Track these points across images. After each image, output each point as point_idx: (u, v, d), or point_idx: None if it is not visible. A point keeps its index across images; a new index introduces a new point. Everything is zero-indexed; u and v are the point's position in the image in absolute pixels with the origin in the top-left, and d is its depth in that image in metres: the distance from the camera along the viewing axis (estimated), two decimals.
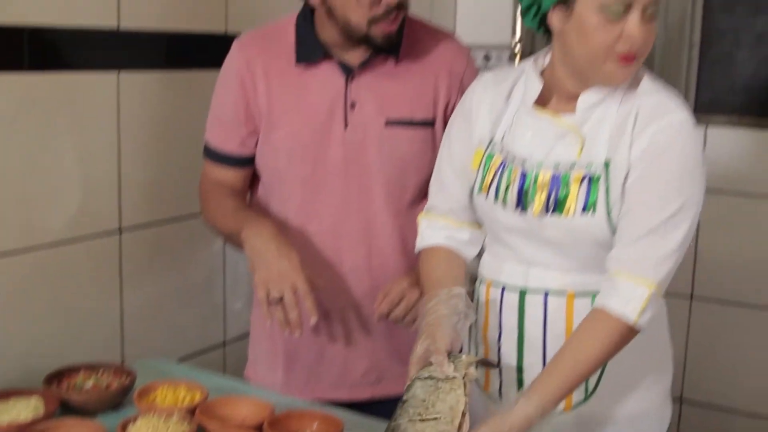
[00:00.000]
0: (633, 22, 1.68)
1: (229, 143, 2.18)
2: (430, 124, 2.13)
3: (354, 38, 2.00)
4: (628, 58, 1.71)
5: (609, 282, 1.74)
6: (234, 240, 2.10)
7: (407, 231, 2.14)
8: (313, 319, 1.91)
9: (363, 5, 1.92)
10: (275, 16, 2.25)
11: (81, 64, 2.31)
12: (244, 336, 2.54)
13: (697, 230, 3.48)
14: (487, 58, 3.98)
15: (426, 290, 1.93)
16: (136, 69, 2.46)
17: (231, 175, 2.21)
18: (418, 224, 2.04)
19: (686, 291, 3.66)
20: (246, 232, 1.99)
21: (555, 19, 1.77)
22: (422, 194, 2.13)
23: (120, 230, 2.48)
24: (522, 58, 3.87)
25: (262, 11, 2.77)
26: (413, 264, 2.12)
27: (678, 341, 3.54)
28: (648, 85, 1.81)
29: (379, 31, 1.97)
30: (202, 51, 2.65)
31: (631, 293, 1.70)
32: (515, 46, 3.88)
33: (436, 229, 2.00)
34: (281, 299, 1.91)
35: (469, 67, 2.18)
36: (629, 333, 1.72)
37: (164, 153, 2.60)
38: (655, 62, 3.62)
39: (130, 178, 2.49)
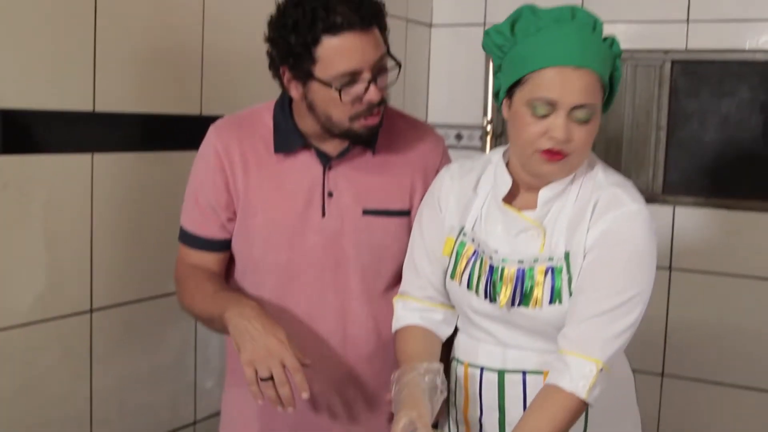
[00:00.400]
0: (555, 121, 1.76)
1: (209, 228, 2.15)
2: (406, 213, 2.15)
3: (334, 133, 2.01)
4: (552, 155, 1.79)
5: (560, 360, 1.79)
6: (215, 324, 2.05)
7: (380, 317, 2.14)
8: (305, 395, 1.85)
9: (345, 103, 1.94)
10: (250, 99, 2.28)
11: (55, 146, 2.33)
12: (215, 414, 2.53)
13: (667, 308, 3.58)
14: (458, 137, 4.05)
15: (401, 362, 1.96)
16: (111, 150, 2.48)
17: (210, 259, 2.19)
18: (393, 306, 2.08)
19: (657, 369, 3.68)
20: (229, 313, 1.93)
21: (504, 108, 1.88)
22: (395, 280, 2.15)
23: (91, 310, 2.48)
24: (493, 137, 3.93)
25: (237, 93, 2.82)
26: (386, 350, 2.14)
27: (650, 419, 3.56)
28: (604, 178, 1.89)
29: (359, 126, 1.98)
30: (177, 132, 2.68)
31: (581, 371, 1.76)
32: (486, 125, 3.93)
33: (411, 310, 2.04)
34: (271, 377, 1.85)
35: (444, 159, 2.21)
36: (581, 407, 1.78)
37: (137, 233, 2.61)
38: (624, 144, 3.69)
39: (102, 258, 2.49)
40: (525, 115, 1.79)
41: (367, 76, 1.92)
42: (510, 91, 1.83)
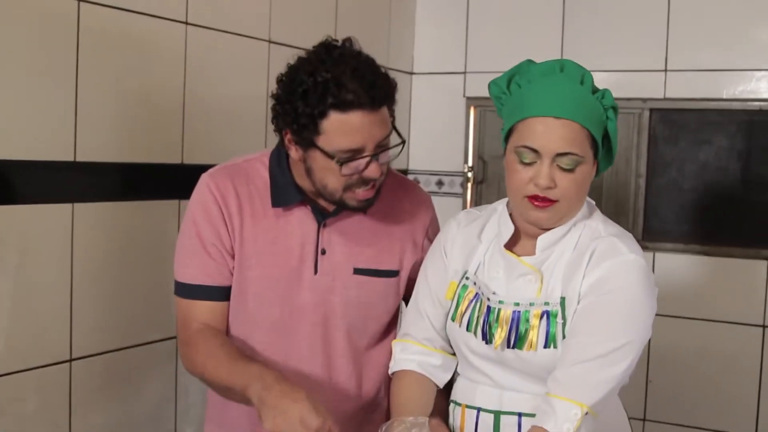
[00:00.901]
0: (539, 168, 1.82)
1: (223, 274, 2.08)
2: (395, 273, 2.16)
3: (327, 199, 2.01)
4: (538, 201, 1.84)
5: (546, 403, 1.81)
6: (233, 395, 1.96)
7: (363, 373, 2.15)
8: None
9: (343, 175, 1.93)
10: (232, 148, 2.28)
11: (36, 196, 2.33)
12: None
13: (648, 354, 3.58)
14: (440, 183, 4.08)
15: (394, 413, 1.99)
16: (91, 200, 2.49)
17: (220, 311, 2.10)
18: (392, 348, 2.10)
19: (639, 414, 3.68)
20: (251, 389, 1.85)
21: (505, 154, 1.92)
22: (378, 339, 2.17)
23: (71, 360, 2.47)
24: (474, 183, 3.96)
25: (219, 142, 2.82)
26: (368, 405, 2.15)
27: None
28: (603, 228, 1.93)
29: (350, 197, 1.97)
30: (159, 181, 2.68)
31: (566, 414, 1.77)
32: (467, 172, 3.97)
33: (410, 353, 2.06)
34: None
35: (433, 219, 2.24)
36: None
37: (117, 282, 2.60)
38: (604, 191, 3.73)
39: (82, 308, 2.49)
40: (514, 162, 1.85)
41: (369, 152, 1.91)
42: (506, 140, 1.91)
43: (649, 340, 3.51)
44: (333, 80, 1.86)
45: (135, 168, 2.62)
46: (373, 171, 1.93)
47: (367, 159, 1.91)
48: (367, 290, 2.12)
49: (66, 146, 2.40)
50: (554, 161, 1.81)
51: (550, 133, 1.81)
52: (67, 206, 2.42)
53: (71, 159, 2.41)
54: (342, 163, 1.90)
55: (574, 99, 1.83)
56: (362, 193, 1.97)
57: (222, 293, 2.10)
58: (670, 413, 3.67)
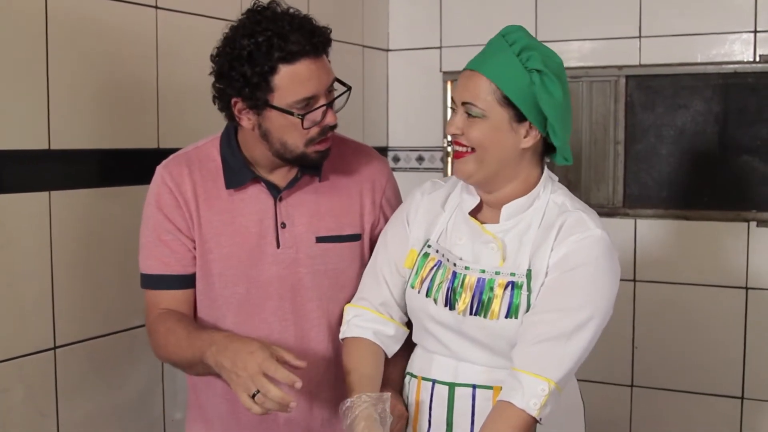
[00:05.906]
0: (451, 119, 1.93)
1: (182, 262, 2.12)
2: (357, 237, 2.18)
3: (287, 158, 2.03)
4: (456, 152, 1.93)
5: (513, 377, 1.83)
6: (198, 369, 2.00)
7: (339, 344, 2.15)
8: (297, 384, 1.78)
9: (302, 129, 1.97)
10: (207, 131, 2.27)
11: (11, 186, 2.33)
12: None
13: (633, 320, 3.61)
14: (420, 159, 4.08)
15: (354, 384, 1.99)
16: (68, 188, 2.49)
17: (183, 298, 2.13)
18: (345, 312, 2.12)
19: (627, 381, 3.70)
20: (207, 355, 1.88)
21: None
22: None
23: (54, 347, 2.47)
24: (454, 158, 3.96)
25: (194, 126, 2.81)
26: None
27: (621, 429, 3.59)
28: (570, 204, 1.96)
29: (312, 150, 2.01)
30: (135, 167, 2.68)
31: (533, 389, 1.80)
32: (447, 146, 3.97)
33: (365, 321, 2.07)
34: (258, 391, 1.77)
35: (389, 180, 2.27)
36: (531, 423, 1.82)
37: (98, 268, 2.61)
38: (583, 159, 3.74)
39: (64, 295, 2.49)
40: None
41: (322, 100, 1.97)
42: None
43: (633, 307, 3.59)
44: (275, 35, 1.92)
45: (111, 154, 2.63)
46: (330, 118, 1.99)
47: (323, 108, 1.97)
48: (332, 257, 2.14)
49: (40, 134, 2.40)
50: (465, 110, 1.89)
51: (460, 84, 1.92)
52: (44, 194, 2.42)
53: (46, 147, 2.41)
54: (302, 116, 1.94)
55: (490, 57, 1.91)
56: (321, 144, 2.01)
57: (183, 281, 2.13)
58: (657, 378, 3.70)
